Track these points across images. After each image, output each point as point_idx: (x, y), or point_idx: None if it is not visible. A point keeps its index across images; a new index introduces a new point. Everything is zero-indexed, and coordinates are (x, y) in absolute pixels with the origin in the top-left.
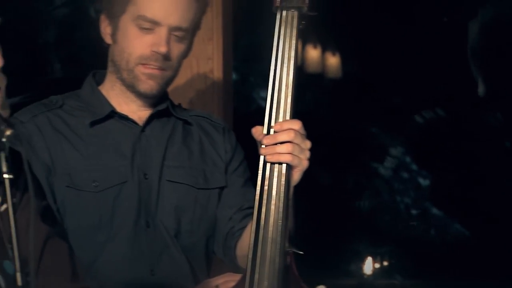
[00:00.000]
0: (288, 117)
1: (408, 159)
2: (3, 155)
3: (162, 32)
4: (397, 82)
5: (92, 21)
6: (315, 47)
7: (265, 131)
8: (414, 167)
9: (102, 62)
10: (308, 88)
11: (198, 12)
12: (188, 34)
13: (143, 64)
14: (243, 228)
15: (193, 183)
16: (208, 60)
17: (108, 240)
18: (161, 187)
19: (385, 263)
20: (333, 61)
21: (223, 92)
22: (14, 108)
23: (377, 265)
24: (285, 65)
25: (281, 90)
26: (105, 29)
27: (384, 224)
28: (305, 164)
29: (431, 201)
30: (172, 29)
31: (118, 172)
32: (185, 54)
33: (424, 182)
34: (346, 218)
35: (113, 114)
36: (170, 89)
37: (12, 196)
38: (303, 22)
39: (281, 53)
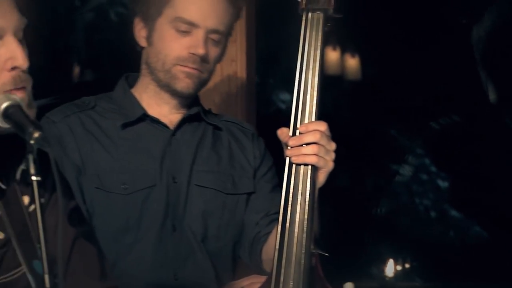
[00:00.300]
0: (313, 118)
1: (427, 161)
2: (31, 157)
3: (200, 34)
4: (417, 84)
5: (114, 25)
6: (334, 49)
7: (290, 133)
8: (433, 169)
9: (128, 65)
10: (327, 90)
11: (233, 16)
12: (223, 38)
13: (180, 65)
14: (269, 233)
15: (222, 188)
16: (232, 62)
17: (134, 242)
18: (189, 191)
19: (406, 266)
20: (352, 63)
21: (246, 94)
22: (42, 110)
23: (399, 267)
24: (311, 67)
25: (306, 91)
26: (140, 32)
27: (404, 226)
28: (330, 165)
29: (450, 203)
30: (209, 32)
31: (147, 175)
32: (219, 58)
33: (443, 184)
34: (366, 220)
35: (145, 117)
36: None
37: (40, 196)
38: (328, 24)
39: (306, 55)
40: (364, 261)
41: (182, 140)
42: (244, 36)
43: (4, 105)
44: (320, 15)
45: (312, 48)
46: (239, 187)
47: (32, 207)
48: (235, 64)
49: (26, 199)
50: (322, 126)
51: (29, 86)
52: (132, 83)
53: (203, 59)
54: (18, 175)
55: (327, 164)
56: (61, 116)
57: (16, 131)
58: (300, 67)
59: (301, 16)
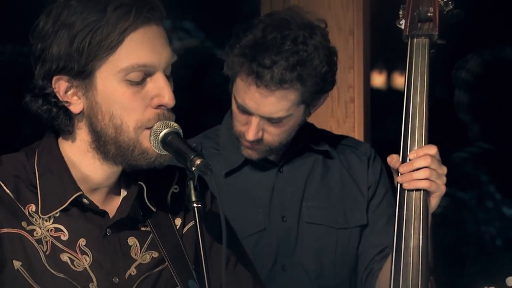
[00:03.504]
0: (423, 143)
1: (492, 188)
2: (191, 184)
3: (254, 120)
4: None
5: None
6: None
7: (400, 159)
8: (498, 196)
9: None
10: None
11: (302, 95)
12: (290, 116)
13: (241, 137)
14: (381, 268)
15: (333, 224)
16: (349, 88)
17: None
18: (299, 230)
19: None
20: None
21: (364, 121)
22: None
23: None
24: (418, 92)
25: (415, 117)
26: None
27: (469, 254)
28: (442, 189)
29: None
30: (264, 118)
31: (255, 220)
32: (294, 128)
33: (508, 211)
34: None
35: (249, 160)
36: (311, 118)
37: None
38: (432, 50)
39: (413, 81)
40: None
41: (289, 176)
42: (361, 62)
43: (164, 132)
44: (425, 40)
45: (419, 73)
46: (351, 221)
47: (186, 228)
48: (352, 90)
49: (178, 221)
50: (433, 149)
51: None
52: None
53: (256, 141)
54: (169, 198)
55: (439, 188)
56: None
57: (176, 158)
58: (407, 93)
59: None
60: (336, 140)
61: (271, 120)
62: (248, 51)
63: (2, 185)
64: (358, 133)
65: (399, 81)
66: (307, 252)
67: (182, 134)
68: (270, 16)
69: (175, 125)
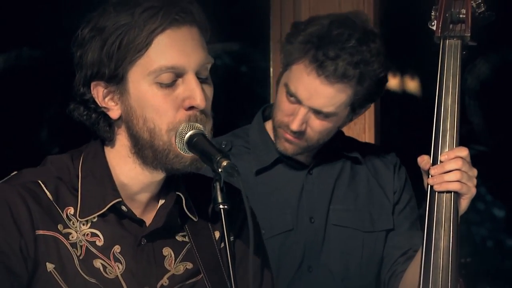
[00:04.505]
0: (454, 145)
1: (483, 190)
2: (218, 185)
3: (301, 110)
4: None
5: None
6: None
7: (431, 160)
8: (488, 198)
9: None
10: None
11: (354, 96)
12: (336, 114)
13: (282, 128)
14: (404, 270)
15: (359, 227)
16: None
17: None
18: (326, 232)
19: None
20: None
21: (374, 123)
22: None
23: None
24: (450, 93)
25: (447, 118)
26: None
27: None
28: (473, 191)
29: (506, 232)
30: (313, 110)
31: (283, 220)
32: (335, 128)
33: (499, 213)
34: None
35: (280, 160)
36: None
37: (229, 228)
38: (463, 52)
39: (445, 82)
40: None
41: (318, 178)
42: None
43: (189, 134)
44: (458, 42)
45: (451, 75)
46: (377, 225)
47: (223, 243)
48: None
49: (217, 234)
50: (464, 152)
51: (207, 127)
52: (268, 116)
53: (300, 133)
54: (209, 211)
55: (470, 190)
56: None
57: (202, 160)
58: (439, 94)
59: (438, 45)
60: (363, 148)
61: (319, 114)
62: (315, 39)
63: (43, 186)
64: (368, 136)
65: (410, 83)
66: (333, 254)
67: (208, 135)
68: (333, 14)
69: (200, 126)
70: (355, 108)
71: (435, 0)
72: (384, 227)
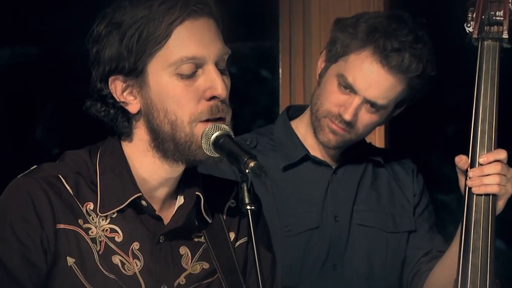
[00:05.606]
0: (492, 147)
1: None
2: (245, 186)
3: (355, 101)
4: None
5: None
6: None
7: (469, 161)
8: None
9: None
10: None
11: (405, 92)
12: (386, 108)
13: (329, 118)
14: (430, 270)
15: (383, 227)
16: None
17: (297, 284)
18: (351, 231)
19: None
20: None
21: (384, 126)
22: None
23: None
24: (488, 95)
25: (485, 120)
26: (317, 68)
27: None
28: (510, 191)
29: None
30: (366, 101)
31: (309, 217)
32: (377, 124)
33: None
34: None
35: (307, 157)
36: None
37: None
38: (500, 54)
39: (483, 84)
40: None
41: (343, 179)
42: None
43: (215, 135)
44: (496, 44)
45: (489, 77)
46: (400, 226)
47: (238, 243)
48: None
49: (232, 235)
50: (502, 154)
51: (227, 117)
52: (293, 115)
53: (349, 124)
54: (225, 212)
55: (507, 192)
56: None
57: (229, 160)
58: (477, 96)
59: (476, 47)
60: (384, 152)
61: (373, 106)
62: (380, 29)
63: (63, 180)
64: (379, 139)
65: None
66: (358, 253)
67: (228, 127)
68: (381, 12)
69: (226, 127)
70: (397, 106)
71: (470, 2)
72: (406, 228)
